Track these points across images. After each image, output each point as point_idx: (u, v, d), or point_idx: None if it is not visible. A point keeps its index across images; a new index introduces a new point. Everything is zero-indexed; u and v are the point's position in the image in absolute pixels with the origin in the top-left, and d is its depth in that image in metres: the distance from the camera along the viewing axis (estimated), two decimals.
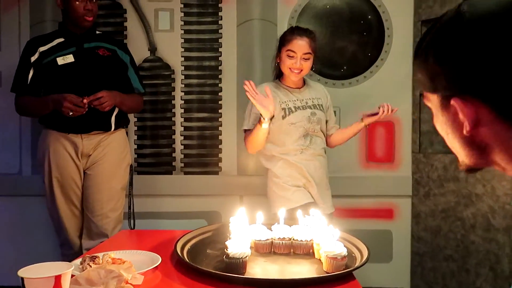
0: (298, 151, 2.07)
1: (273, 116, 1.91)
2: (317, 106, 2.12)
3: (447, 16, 0.63)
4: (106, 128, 2.23)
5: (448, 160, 2.52)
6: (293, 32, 2.06)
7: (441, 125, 0.68)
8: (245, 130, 2.11)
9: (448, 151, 2.82)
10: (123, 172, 2.30)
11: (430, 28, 0.66)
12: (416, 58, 0.67)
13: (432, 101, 0.67)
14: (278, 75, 2.17)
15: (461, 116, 0.62)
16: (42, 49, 2.19)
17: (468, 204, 2.43)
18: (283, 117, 2.05)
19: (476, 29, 0.59)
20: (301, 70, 2.03)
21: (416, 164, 2.69)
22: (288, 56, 2.02)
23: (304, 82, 2.17)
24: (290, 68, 2.03)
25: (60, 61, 2.16)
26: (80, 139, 2.18)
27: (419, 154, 2.68)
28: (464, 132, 0.63)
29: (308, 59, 2.03)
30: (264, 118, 1.88)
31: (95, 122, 2.20)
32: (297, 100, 2.09)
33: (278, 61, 2.10)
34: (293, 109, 2.06)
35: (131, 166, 2.37)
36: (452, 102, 0.61)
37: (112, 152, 2.25)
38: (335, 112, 2.70)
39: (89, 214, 2.22)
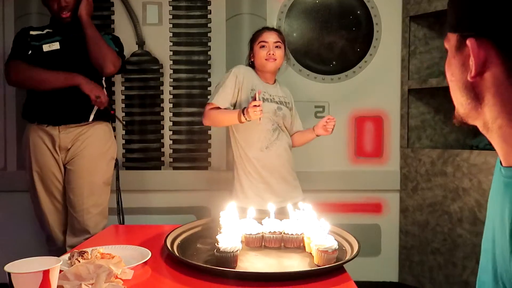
0: (264, 146, 2.09)
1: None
2: (283, 103, 2.17)
3: None
4: (83, 120, 2.14)
5: (435, 155, 2.55)
6: (262, 28, 2.22)
7: (451, 67, 0.72)
8: (209, 103, 2.11)
9: (436, 146, 2.85)
10: (106, 166, 2.23)
11: None
12: None
13: (451, 41, 0.71)
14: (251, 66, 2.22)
15: (471, 59, 0.65)
16: (32, 32, 2.18)
17: (455, 198, 2.46)
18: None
19: None
20: (275, 59, 2.11)
21: (404, 159, 2.71)
22: (261, 46, 2.12)
23: (275, 82, 2.23)
24: (266, 59, 2.10)
25: (46, 47, 2.13)
26: (58, 131, 2.11)
27: (407, 149, 2.70)
28: (469, 77, 0.67)
29: (279, 47, 2.13)
30: (247, 119, 1.94)
31: (72, 113, 2.13)
32: (266, 93, 2.13)
33: (252, 59, 2.18)
34: (261, 98, 2.06)
35: (116, 160, 2.32)
36: (468, 41, 0.65)
37: (92, 145, 2.16)
38: (323, 107, 2.72)
39: (71, 210, 2.17)
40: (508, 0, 0.61)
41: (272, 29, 2.21)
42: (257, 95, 1.90)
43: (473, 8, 0.65)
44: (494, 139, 0.70)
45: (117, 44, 2.30)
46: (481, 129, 0.72)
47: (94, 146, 2.17)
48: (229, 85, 2.08)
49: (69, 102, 2.09)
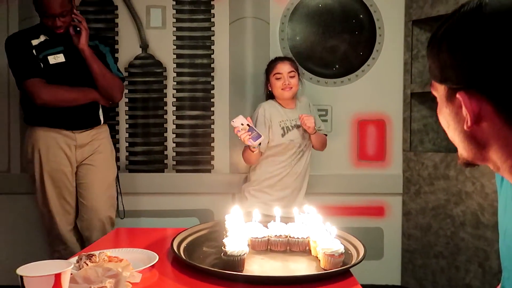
0: (288, 167, 2.30)
1: (261, 143, 2.14)
2: None
3: (467, 7, 0.63)
4: (96, 123, 2.29)
5: (438, 159, 2.55)
6: (275, 59, 2.38)
7: (444, 116, 0.70)
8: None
9: (438, 149, 2.85)
10: (115, 163, 2.44)
11: (448, 17, 0.66)
12: (430, 47, 0.68)
13: (439, 91, 0.69)
14: (270, 97, 2.40)
15: (464, 110, 0.63)
16: (33, 42, 2.17)
17: (458, 202, 2.47)
18: (282, 135, 2.28)
19: (495, 24, 0.58)
20: (291, 88, 2.28)
21: (406, 163, 2.72)
22: (276, 78, 2.30)
23: (296, 106, 2.38)
24: (282, 89, 2.28)
25: (52, 60, 2.17)
26: (73, 133, 2.22)
27: (409, 153, 2.71)
28: (465, 127, 0.64)
29: (294, 76, 2.30)
30: (250, 147, 2.13)
31: (86, 118, 2.25)
32: (293, 120, 2.31)
33: (270, 89, 2.36)
34: (290, 127, 2.30)
35: (117, 158, 2.54)
36: (458, 95, 0.63)
37: (106, 144, 2.35)
38: (326, 111, 2.73)
39: (85, 203, 2.27)
40: (493, 50, 0.58)
41: (285, 58, 2.37)
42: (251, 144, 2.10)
43: (458, 61, 0.62)
44: (507, 176, 0.68)
45: (113, 55, 2.46)
46: (492, 168, 0.69)
47: (108, 145, 2.37)
48: (260, 123, 2.27)
49: (83, 109, 2.21)
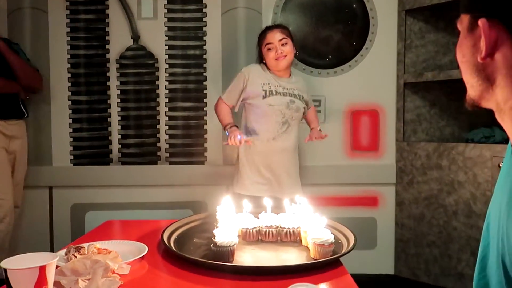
0: (271, 137, 2.15)
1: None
2: (297, 96, 2.22)
3: None
4: (21, 115, 2.49)
5: (431, 148, 2.56)
6: (265, 29, 2.26)
7: (462, 48, 0.72)
8: (221, 97, 2.25)
9: (431, 139, 2.85)
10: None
11: None
12: None
13: (463, 22, 0.71)
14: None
15: (482, 39, 0.66)
16: None
17: (450, 192, 2.48)
18: (263, 97, 2.14)
19: None
20: (285, 55, 2.15)
21: (400, 153, 2.72)
22: (268, 49, 2.16)
23: (290, 74, 2.27)
24: (276, 59, 2.15)
25: None
26: (5, 123, 2.41)
27: (403, 143, 2.71)
28: (479, 58, 0.67)
29: (286, 43, 2.16)
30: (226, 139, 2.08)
31: (11, 109, 2.44)
32: (280, 86, 2.18)
33: (264, 61, 2.22)
34: (273, 92, 2.15)
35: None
36: (479, 22, 0.65)
37: (25, 136, 2.57)
38: (319, 101, 2.72)
39: None
40: None
41: (275, 26, 2.24)
42: (244, 139, 2.04)
43: None
44: (506, 121, 0.70)
45: (23, 51, 2.58)
46: (494, 110, 0.72)
47: (26, 138, 2.59)
48: (237, 85, 2.18)
49: (11, 100, 2.43)
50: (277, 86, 2.17)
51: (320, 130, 2.31)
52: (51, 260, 0.85)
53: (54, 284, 0.90)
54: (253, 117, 2.18)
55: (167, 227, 1.39)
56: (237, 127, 2.14)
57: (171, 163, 2.75)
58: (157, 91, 2.73)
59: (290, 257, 1.24)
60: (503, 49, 0.65)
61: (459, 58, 0.74)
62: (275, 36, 2.16)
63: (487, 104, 0.72)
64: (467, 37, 0.70)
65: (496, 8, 0.64)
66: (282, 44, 2.15)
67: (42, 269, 0.82)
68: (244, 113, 2.25)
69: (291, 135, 2.20)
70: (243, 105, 2.23)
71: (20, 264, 0.83)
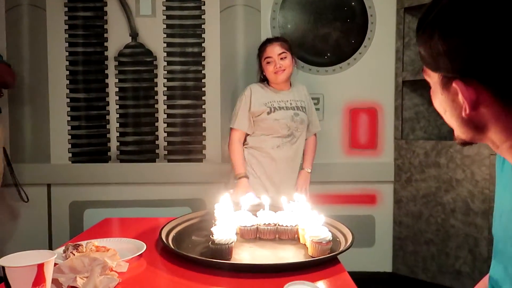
0: (276, 145, 2.21)
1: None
2: (300, 108, 2.26)
3: None
4: None
5: (429, 146, 2.56)
6: (265, 42, 2.28)
7: (440, 102, 0.68)
8: (232, 128, 2.26)
9: (429, 137, 2.86)
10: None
11: (436, 1, 0.62)
12: (420, 34, 0.65)
13: (432, 78, 0.67)
14: (264, 80, 2.31)
15: (461, 98, 0.62)
16: None
17: (448, 189, 2.48)
18: (268, 113, 2.20)
19: (492, 7, 0.56)
20: (284, 69, 2.19)
21: (398, 151, 2.73)
22: (268, 63, 2.20)
23: (291, 85, 2.31)
24: (274, 73, 2.19)
25: None
26: None
27: (401, 141, 2.71)
28: (463, 114, 0.63)
29: (285, 57, 2.20)
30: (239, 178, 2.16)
31: None
32: (282, 101, 2.23)
33: (264, 74, 2.26)
34: (277, 107, 2.21)
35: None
36: (454, 84, 0.61)
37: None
38: (318, 99, 2.72)
39: None
40: (485, 37, 0.57)
41: (275, 39, 2.27)
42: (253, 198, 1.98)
43: (452, 48, 0.59)
44: (506, 156, 0.68)
45: None
46: (491, 146, 0.69)
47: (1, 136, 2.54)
48: (243, 107, 2.22)
49: None
50: (280, 101, 2.22)
51: (310, 172, 2.33)
52: (49, 258, 0.85)
53: (52, 282, 0.90)
54: (259, 131, 2.23)
55: (165, 225, 1.39)
56: (247, 178, 2.19)
57: (169, 160, 2.75)
58: (156, 88, 2.73)
59: (288, 254, 1.24)
60: (486, 103, 0.61)
61: (440, 112, 0.70)
62: (274, 50, 2.19)
63: (481, 142, 0.69)
64: (443, 93, 0.66)
65: (469, 68, 0.59)
66: (281, 58, 2.18)
67: (40, 267, 0.83)
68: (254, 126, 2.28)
69: (295, 145, 2.25)
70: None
71: (18, 262, 0.83)
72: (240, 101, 2.24)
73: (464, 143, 0.71)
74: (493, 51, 0.57)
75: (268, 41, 2.26)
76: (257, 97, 2.21)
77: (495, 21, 0.56)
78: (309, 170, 2.33)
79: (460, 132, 0.69)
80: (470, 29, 0.57)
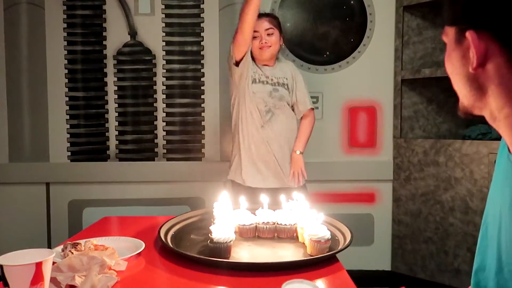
0: (259, 125, 2.11)
1: None
2: (282, 85, 2.15)
3: None
4: None
5: (428, 145, 2.56)
6: None
7: (451, 60, 0.71)
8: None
9: (428, 136, 2.86)
10: None
11: None
12: None
13: (449, 34, 0.70)
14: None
15: (472, 50, 0.64)
16: None
17: (447, 188, 2.48)
18: (252, 82, 2.10)
19: None
20: (270, 46, 2.10)
21: (397, 149, 2.73)
22: (254, 37, 2.09)
23: (275, 64, 2.20)
24: (259, 48, 2.10)
25: None
26: None
27: (400, 139, 2.71)
28: (470, 68, 0.66)
29: (272, 34, 2.11)
30: None
31: None
32: (263, 75, 2.13)
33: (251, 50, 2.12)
34: (256, 80, 2.11)
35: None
36: (467, 34, 0.64)
37: None
38: (317, 98, 2.71)
39: None
40: None
41: (264, 14, 2.17)
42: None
43: (470, 1, 0.64)
44: (501, 128, 0.70)
45: None
46: (487, 118, 0.71)
47: None
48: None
49: None
50: (261, 74, 2.13)
51: (301, 153, 2.18)
52: (47, 257, 0.85)
53: (50, 281, 0.90)
54: (242, 106, 2.12)
55: (164, 224, 1.39)
56: None
57: (168, 159, 2.75)
58: (155, 87, 2.72)
59: (287, 253, 1.24)
60: (494, 59, 0.64)
61: (449, 70, 0.73)
62: (262, 25, 2.10)
63: (480, 112, 0.71)
64: (456, 49, 0.69)
65: (483, 19, 0.63)
66: (268, 34, 2.10)
67: (39, 265, 0.83)
68: (236, 104, 2.16)
69: (276, 124, 2.12)
70: (234, 95, 2.16)
71: (16, 261, 0.83)
72: None
73: (466, 112, 0.73)
74: (509, 4, 0.60)
75: (257, 16, 2.11)
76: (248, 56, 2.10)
77: None
78: (298, 152, 2.17)
79: (463, 96, 0.71)
80: None
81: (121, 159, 2.73)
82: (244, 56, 2.05)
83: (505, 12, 0.61)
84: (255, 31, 2.09)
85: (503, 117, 0.67)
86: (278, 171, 2.15)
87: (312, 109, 2.25)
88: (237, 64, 2.07)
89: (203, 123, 2.74)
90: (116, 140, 2.73)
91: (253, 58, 2.15)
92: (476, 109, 0.71)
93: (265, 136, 2.12)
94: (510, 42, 0.62)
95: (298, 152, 2.18)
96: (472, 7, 0.64)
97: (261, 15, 2.15)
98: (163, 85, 2.72)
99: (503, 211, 0.72)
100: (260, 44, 2.10)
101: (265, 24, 2.12)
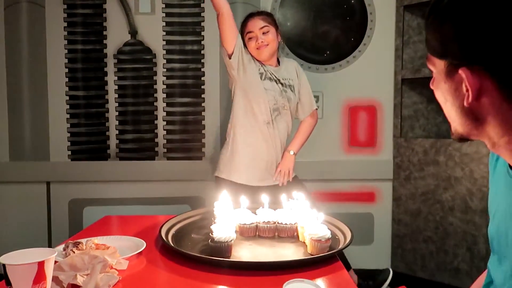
0: (266, 120, 2.06)
1: None
2: (289, 86, 2.12)
3: None
4: None
5: (428, 144, 2.57)
6: (247, 17, 2.12)
7: (442, 91, 0.69)
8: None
9: (428, 135, 2.86)
10: None
11: None
12: (431, 18, 0.65)
13: (437, 66, 0.67)
14: None
15: (465, 85, 0.62)
16: None
17: (447, 187, 2.49)
18: (261, 78, 2.04)
19: None
20: (267, 44, 2.03)
21: (397, 148, 2.73)
22: (249, 38, 2.05)
23: (279, 63, 2.15)
24: (257, 48, 2.04)
25: None
26: None
27: (400, 139, 2.72)
28: (465, 103, 0.64)
29: (268, 32, 2.04)
30: None
31: None
32: (272, 74, 2.08)
33: (250, 53, 2.08)
34: (266, 77, 2.06)
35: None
36: (460, 71, 0.62)
37: None
38: (317, 97, 2.72)
39: None
40: (498, 25, 0.58)
41: (257, 13, 2.11)
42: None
43: (462, 34, 0.61)
44: (502, 153, 0.68)
45: None
46: (486, 143, 0.69)
47: None
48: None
49: None
50: (271, 72, 2.08)
51: (295, 154, 2.14)
52: (49, 256, 0.85)
53: (52, 280, 0.90)
54: (251, 97, 2.05)
55: (165, 223, 1.40)
56: None
57: (169, 158, 2.75)
58: (155, 86, 2.72)
59: (287, 252, 1.25)
60: (488, 94, 0.62)
61: (441, 101, 0.70)
62: (256, 24, 2.04)
63: (477, 138, 0.69)
64: (446, 81, 0.66)
65: (476, 55, 0.60)
66: (263, 33, 2.03)
67: (41, 264, 0.83)
68: (239, 98, 2.09)
69: (281, 124, 2.09)
70: (235, 90, 2.10)
71: (19, 260, 0.83)
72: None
73: (461, 138, 0.71)
74: (504, 40, 0.58)
75: (250, 16, 2.09)
76: (250, 56, 2.05)
77: (508, 10, 0.57)
78: (292, 152, 2.13)
79: (458, 124, 0.69)
80: (483, 16, 0.59)
81: (121, 158, 2.74)
82: (235, 46, 2.00)
83: (497, 47, 0.58)
84: (250, 32, 2.05)
85: (504, 143, 0.66)
86: (273, 171, 2.13)
87: (316, 109, 2.25)
88: (230, 57, 2.03)
89: (203, 122, 2.75)
90: (117, 139, 2.73)
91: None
92: (473, 136, 0.69)
93: (271, 133, 2.07)
94: (504, 77, 0.60)
95: (292, 153, 2.14)
96: (463, 42, 0.61)
97: (253, 14, 2.10)
98: (163, 84, 2.72)
99: (508, 220, 0.72)
100: (257, 44, 2.03)
101: (259, 22, 2.05)
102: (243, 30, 2.09)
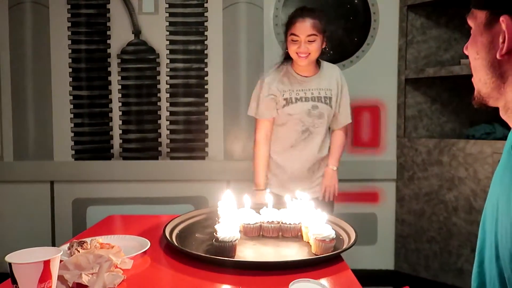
0: (289, 145, 2.01)
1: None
2: (322, 99, 1.98)
3: None
4: None
5: (432, 145, 2.56)
6: (296, 13, 1.93)
7: (476, 45, 0.70)
8: (258, 119, 2.03)
9: (432, 135, 2.85)
10: None
11: None
12: None
13: (478, 18, 0.69)
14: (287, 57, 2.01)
15: (503, 36, 0.64)
16: None
17: (451, 188, 2.48)
18: (283, 106, 1.98)
19: None
20: (309, 54, 1.89)
21: (400, 149, 2.73)
22: (292, 40, 1.89)
23: (319, 68, 2.02)
24: (296, 53, 1.90)
25: None
26: None
27: (403, 139, 2.71)
28: (498, 55, 0.66)
29: (314, 41, 1.88)
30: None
31: None
32: (302, 90, 1.97)
33: (287, 47, 1.95)
34: (293, 100, 1.96)
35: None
36: (501, 19, 0.64)
37: None
38: None
39: None
40: None
41: (307, 14, 1.89)
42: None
43: None
44: (511, 119, 0.70)
45: None
46: (501, 109, 0.71)
47: None
48: (265, 93, 1.97)
49: None
50: (299, 90, 1.96)
51: (336, 169, 2.07)
52: (55, 255, 0.86)
53: (57, 279, 0.91)
54: (276, 124, 2.03)
55: (168, 222, 1.40)
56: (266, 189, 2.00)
57: (172, 158, 2.75)
58: (158, 86, 2.73)
59: (291, 252, 1.24)
60: None
61: (472, 55, 0.72)
62: (304, 30, 1.85)
63: (495, 103, 0.71)
64: (484, 33, 0.68)
65: None
66: (309, 41, 1.86)
67: (47, 263, 0.83)
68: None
69: (312, 142, 2.00)
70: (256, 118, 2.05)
71: (24, 259, 0.84)
72: (261, 86, 1.98)
73: (480, 102, 0.73)
74: None
75: (300, 14, 1.89)
76: (274, 87, 1.96)
77: None
78: (335, 168, 2.05)
79: (483, 83, 0.71)
80: None
81: (125, 158, 2.74)
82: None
83: None
84: (294, 35, 1.88)
85: None
86: (307, 185, 2.05)
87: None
88: None
89: (206, 122, 2.75)
90: (120, 138, 2.74)
91: (292, 66, 1.99)
92: (492, 100, 0.71)
93: (296, 156, 2.02)
94: None
95: (334, 168, 2.06)
96: None
97: (304, 14, 1.90)
98: (166, 84, 2.73)
99: (501, 201, 0.72)
100: (298, 50, 1.88)
101: (308, 29, 1.86)
102: (288, 27, 1.92)
